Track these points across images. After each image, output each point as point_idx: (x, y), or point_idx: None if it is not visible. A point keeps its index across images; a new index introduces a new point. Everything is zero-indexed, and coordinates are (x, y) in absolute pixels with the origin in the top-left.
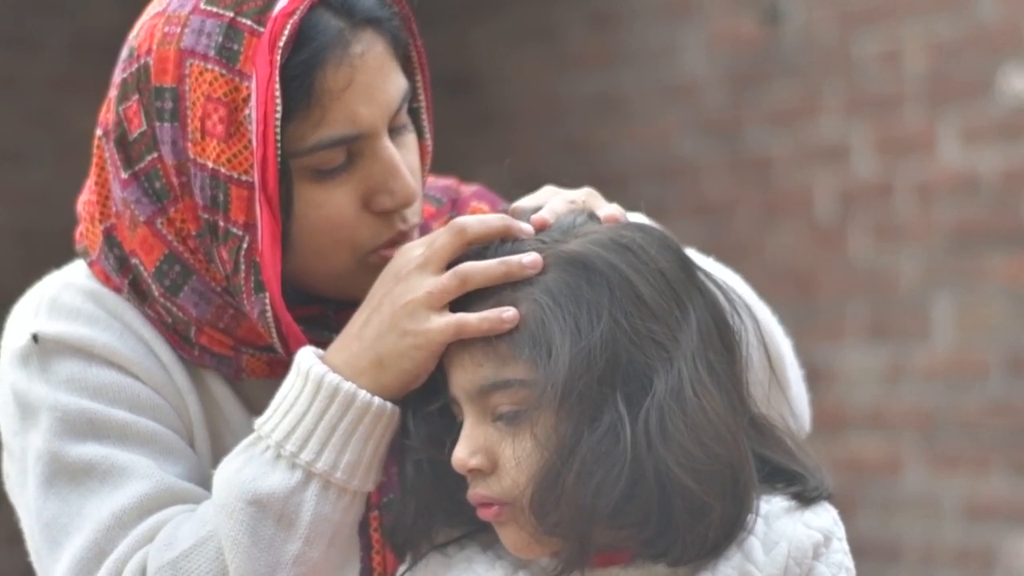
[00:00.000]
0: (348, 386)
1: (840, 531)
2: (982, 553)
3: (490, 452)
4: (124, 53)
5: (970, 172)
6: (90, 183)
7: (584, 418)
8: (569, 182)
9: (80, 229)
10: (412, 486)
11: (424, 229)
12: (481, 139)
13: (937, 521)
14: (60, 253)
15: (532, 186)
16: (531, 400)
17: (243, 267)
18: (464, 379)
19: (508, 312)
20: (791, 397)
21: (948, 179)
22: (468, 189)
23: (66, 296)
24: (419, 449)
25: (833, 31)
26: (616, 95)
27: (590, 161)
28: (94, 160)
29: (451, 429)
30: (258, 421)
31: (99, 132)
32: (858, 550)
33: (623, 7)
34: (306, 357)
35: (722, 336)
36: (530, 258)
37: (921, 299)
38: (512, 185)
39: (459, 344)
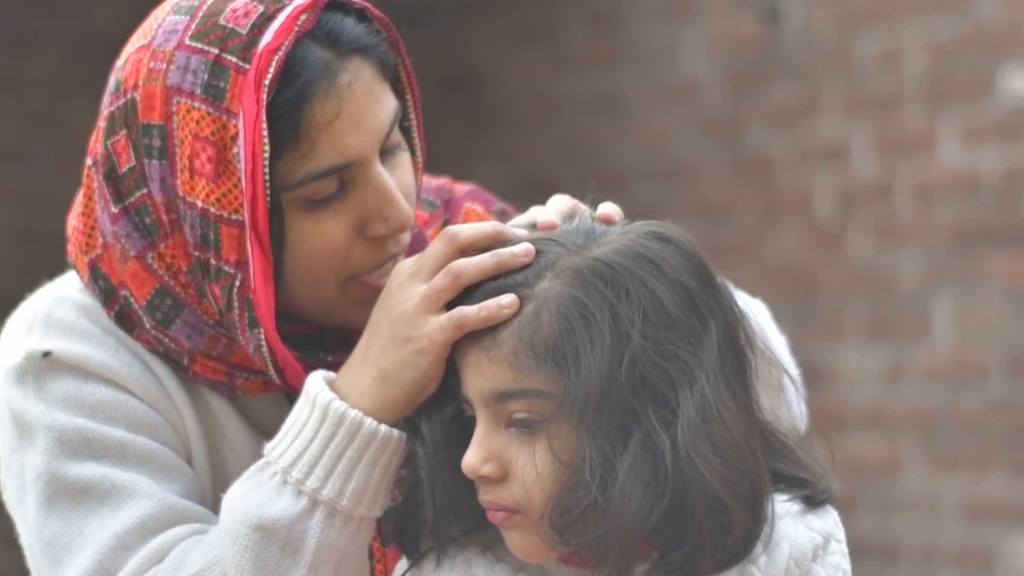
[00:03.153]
0: (354, 413)
1: (840, 533)
2: (982, 553)
3: (502, 460)
4: (111, 84)
5: (970, 172)
6: (80, 208)
7: (614, 434)
8: (569, 182)
9: (70, 246)
10: (430, 487)
11: (418, 236)
12: (480, 139)
13: (937, 521)
14: (60, 253)
15: (532, 186)
16: (549, 411)
17: (236, 304)
18: (480, 383)
19: (506, 299)
20: (787, 399)
21: (948, 179)
22: (462, 189)
23: (60, 311)
24: (434, 454)
25: (833, 31)
26: (616, 95)
27: (590, 161)
28: (83, 188)
29: (466, 431)
30: (268, 445)
31: (89, 161)
32: (858, 550)
33: (623, 7)
34: (315, 383)
35: (736, 349)
36: (522, 248)
37: (921, 299)
38: (511, 185)
39: (476, 347)
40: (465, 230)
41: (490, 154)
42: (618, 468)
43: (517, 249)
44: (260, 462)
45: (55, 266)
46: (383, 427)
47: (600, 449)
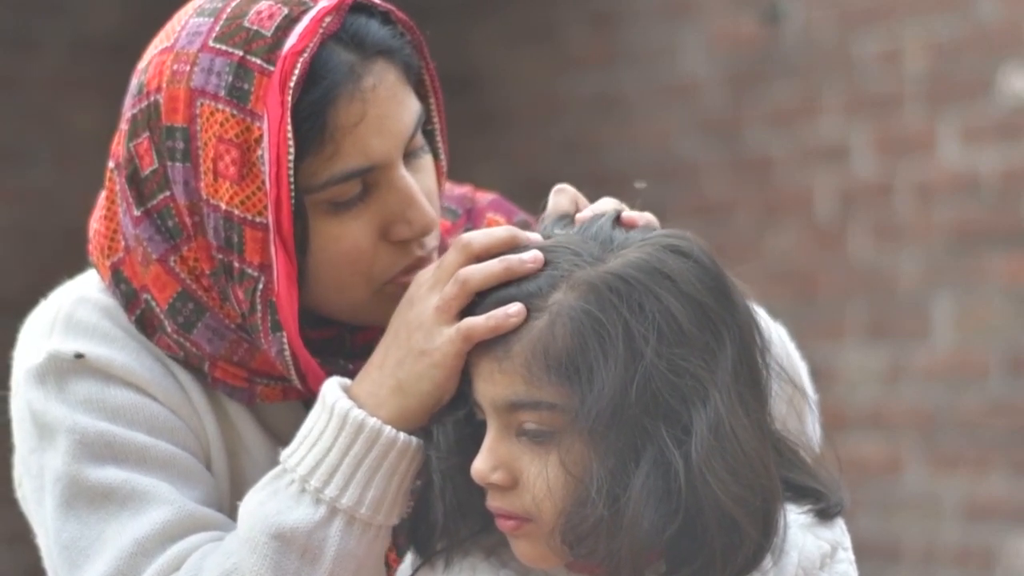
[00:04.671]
0: (373, 422)
1: (846, 540)
2: (982, 553)
3: (511, 468)
4: (133, 87)
5: (970, 172)
6: (102, 211)
7: (626, 451)
8: (569, 182)
9: (91, 247)
10: (440, 490)
11: (441, 246)
12: (481, 139)
13: (937, 521)
14: (61, 253)
15: (532, 186)
16: (561, 424)
17: (259, 307)
18: (492, 392)
19: (513, 307)
20: (802, 418)
21: (948, 179)
22: (484, 198)
23: (82, 312)
24: (445, 458)
25: (833, 31)
26: (616, 95)
27: (590, 161)
28: (106, 191)
29: (477, 433)
30: (284, 452)
31: (111, 164)
32: (858, 550)
33: (623, 7)
34: (331, 390)
35: (750, 364)
36: (530, 255)
37: (921, 299)
38: (511, 185)
39: (488, 356)
40: (478, 237)
41: (490, 154)
42: (630, 485)
43: (526, 256)
44: (277, 469)
45: (55, 266)
46: (402, 435)
47: (611, 466)
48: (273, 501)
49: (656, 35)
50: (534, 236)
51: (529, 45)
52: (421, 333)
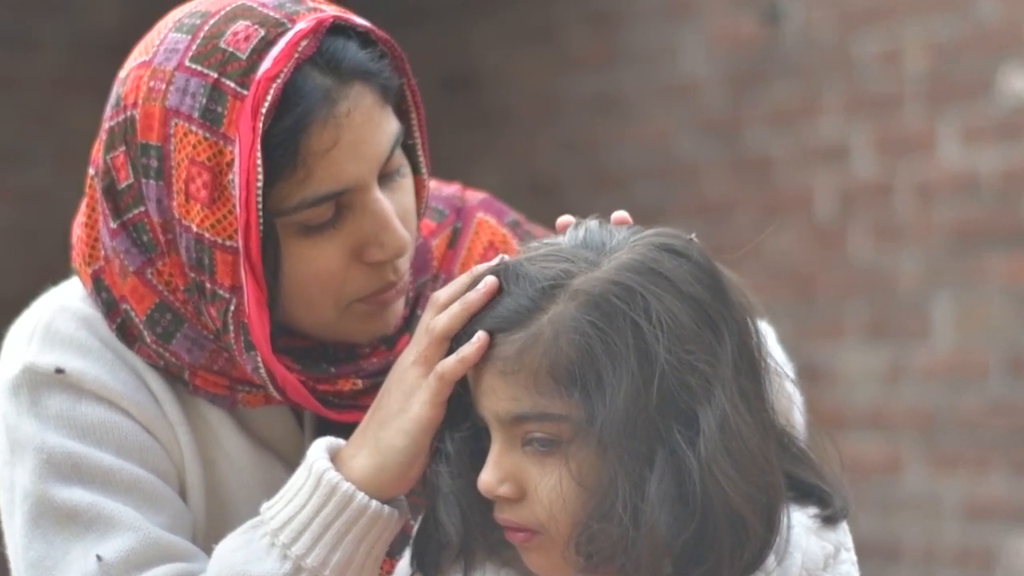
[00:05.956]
0: (346, 487)
1: (848, 541)
2: (982, 553)
3: (519, 480)
4: (112, 97)
5: (970, 172)
6: (83, 218)
7: (641, 456)
8: (569, 182)
9: (73, 253)
10: (457, 505)
11: (422, 247)
12: (480, 139)
13: (937, 521)
14: (61, 253)
15: (531, 186)
16: (568, 434)
17: (232, 327)
18: (497, 406)
19: (476, 337)
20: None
21: (948, 179)
22: (475, 197)
23: (60, 323)
24: (460, 474)
25: (833, 31)
26: (616, 95)
27: (590, 161)
28: (86, 197)
29: (483, 449)
30: (264, 504)
31: (91, 171)
32: (858, 550)
33: (623, 7)
34: (316, 449)
35: (749, 359)
36: (483, 284)
37: (921, 299)
38: (511, 185)
39: (492, 372)
40: (443, 291)
41: (489, 154)
42: (647, 490)
43: (480, 287)
44: (255, 520)
45: (55, 266)
46: (374, 503)
47: (629, 472)
48: (244, 550)
49: (656, 35)
50: (504, 260)
51: (529, 45)
52: (400, 391)
